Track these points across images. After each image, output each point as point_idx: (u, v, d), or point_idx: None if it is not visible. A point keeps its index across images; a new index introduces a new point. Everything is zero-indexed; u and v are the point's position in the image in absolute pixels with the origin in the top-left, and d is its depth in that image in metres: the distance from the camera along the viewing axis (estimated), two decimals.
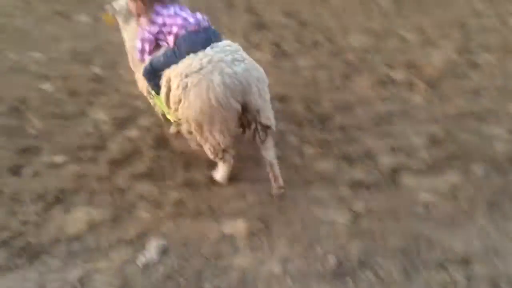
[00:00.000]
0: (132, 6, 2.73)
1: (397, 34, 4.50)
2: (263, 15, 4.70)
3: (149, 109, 3.47)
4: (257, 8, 4.81)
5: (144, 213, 2.58)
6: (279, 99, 3.62)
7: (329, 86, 3.78)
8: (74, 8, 4.86)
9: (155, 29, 2.65)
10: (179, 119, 2.59)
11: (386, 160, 2.97)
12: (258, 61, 3.97)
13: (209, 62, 2.41)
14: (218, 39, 2.63)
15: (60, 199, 2.66)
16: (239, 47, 2.61)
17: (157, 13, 2.63)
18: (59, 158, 3.00)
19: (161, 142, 3.19)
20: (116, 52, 4.12)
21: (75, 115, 3.46)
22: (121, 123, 3.36)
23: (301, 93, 3.69)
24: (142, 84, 2.92)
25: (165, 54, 2.62)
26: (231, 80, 2.39)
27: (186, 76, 2.42)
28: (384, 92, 3.70)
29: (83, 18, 4.75)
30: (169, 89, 2.53)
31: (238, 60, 2.47)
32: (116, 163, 2.99)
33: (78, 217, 2.53)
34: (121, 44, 3.10)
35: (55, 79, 3.83)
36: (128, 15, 2.94)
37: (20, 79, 3.84)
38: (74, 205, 2.62)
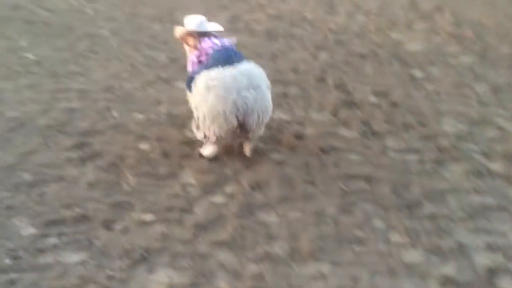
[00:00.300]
0: (192, 42, 3.83)
1: (494, 123, 4.31)
2: (354, 93, 4.75)
3: (236, 176, 3.58)
4: (348, 85, 4.89)
5: (222, 283, 2.57)
6: (365, 178, 3.56)
7: (419, 171, 3.66)
8: (175, 75, 5.25)
9: (197, 53, 3.74)
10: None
11: (482, 259, 2.75)
12: (345, 138, 4.03)
13: (232, 79, 3.29)
14: (240, 58, 3.58)
15: (145, 257, 2.74)
16: (260, 72, 3.55)
17: (200, 43, 3.74)
18: (148, 217, 3.13)
19: (245, 211, 3.23)
20: None
21: (166, 176, 3.62)
22: (208, 188, 3.46)
23: (389, 176, 3.60)
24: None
25: (199, 67, 3.63)
26: (241, 103, 3.28)
27: (211, 80, 3.32)
28: (479, 183, 3.50)
29: (181, 84, 5.10)
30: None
31: (253, 87, 3.32)
32: (200, 228, 3.05)
33: (159, 279, 2.57)
34: None
35: (151, 140, 4.09)
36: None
37: (121, 137, 4.15)
38: (157, 266, 2.68)
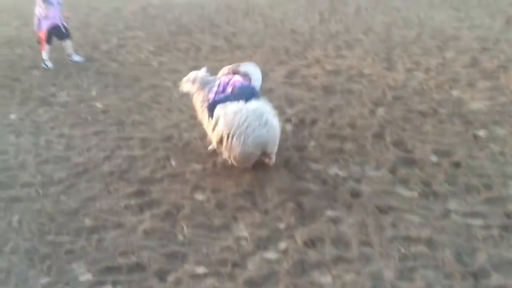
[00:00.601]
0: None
1: None
2: (413, 151, 4.62)
3: (290, 231, 3.52)
4: (407, 143, 4.76)
5: None
6: (425, 242, 3.38)
7: (484, 237, 3.42)
8: None
9: (223, 84, 4.55)
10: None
11: None
12: (403, 197, 3.89)
13: (250, 119, 3.95)
14: (257, 95, 4.38)
15: None
16: (268, 107, 4.19)
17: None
18: (200, 269, 3.13)
19: (298, 269, 3.14)
20: (264, 171, 4.38)
21: (220, 228, 3.63)
22: (261, 243, 3.42)
23: (452, 240, 3.39)
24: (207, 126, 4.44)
25: (224, 96, 4.31)
26: (259, 140, 4.02)
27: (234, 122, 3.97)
28: None
29: None
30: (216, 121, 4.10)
31: (266, 124, 4.00)
32: (252, 284, 3.00)
33: None
34: None
35: (207, 190, 4.15)
36: (204, 83, 4.67)
37: (178, 186, 4.24)
38: None
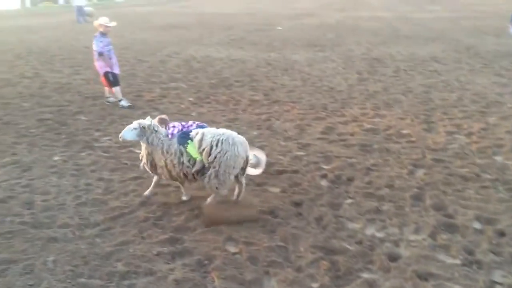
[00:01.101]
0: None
1: None
2: (454, 216, 4.45)
3: None
4: (448, 207, 4.60)
5: None
6: None
7: None
8: (268, 181, 5.37)
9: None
10: (210, 162, 4.42)
11: None
12: (444, 264, 3.70)
13: (226, 132, 4.52)
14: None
15: None
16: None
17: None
18: None
19: None
20: (297, 226, 4.30)
21: (251, 283, 3.54)
22: None
23: None
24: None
25: (181, 133, 4.70)
26: (244, 144, 4.53)
27: (218, 136, 4.43)
28: None
29: (275, 189, 5.18)
30: (200, 144, 4.44)
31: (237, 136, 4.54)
32: None
33: None
34: None
35: (239, 243, 4.09)
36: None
37: (211, 236, 4.20)
38: None
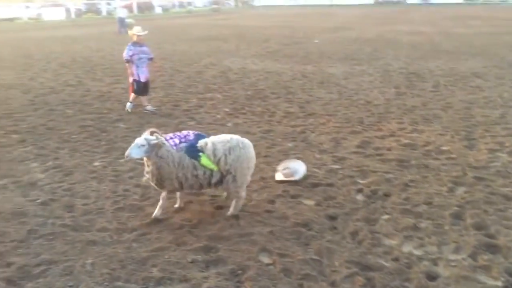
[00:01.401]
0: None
1: None
2: (497, 237, 4.29)
3: None
4: (490, 227, 4.44)
5: None
6: None
7: None
8: (302, 192, 5.34)
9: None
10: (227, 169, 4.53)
11: None
12: (485, 286, 3.57)
13: (232, 137, 4.70)
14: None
15: None
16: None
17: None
18: None
19: None
20: (332, 240, 4.24)
21: None
22: None
23: None
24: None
25: (190, 141, 4.59)
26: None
27: (228, 143, 4.56)
28: None
29: (309, 202, 5.14)
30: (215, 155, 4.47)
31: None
32: None
33: None
34: None
35: (273, 254, 4.07)
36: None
37: (244, 247, 4.20)
38: None
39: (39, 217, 4.75)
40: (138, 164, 6.25)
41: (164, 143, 4.41)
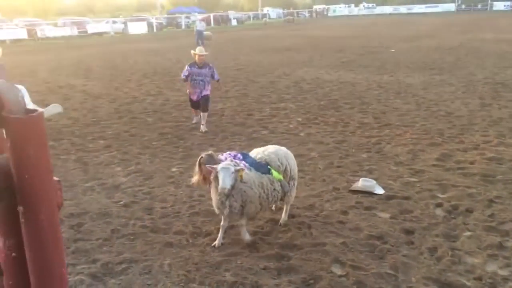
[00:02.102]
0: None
1: None
2: None
3: None
4: None
5: None
6: None
7: None
8: (376, 204, 5.20)
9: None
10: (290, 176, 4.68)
11: None
12: None
13: (272, 148, 4.82)
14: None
15: None
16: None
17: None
18: None
19: None
20: (408, 255, 4.07)
21: None
22: None
23: None
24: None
25: (255, 163, 4.51)
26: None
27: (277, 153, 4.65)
28: None
29: (384, 215, 4.99)
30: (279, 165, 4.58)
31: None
32: None
33: None
34: None
35: (346, 266, 3.99)
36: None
37: (316, 257, 4.17)
38: None
39: (122, 218, 5.05)
40: None
41: (242, 168, 4.19)
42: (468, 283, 3.70)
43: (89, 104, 11.50)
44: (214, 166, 4.14)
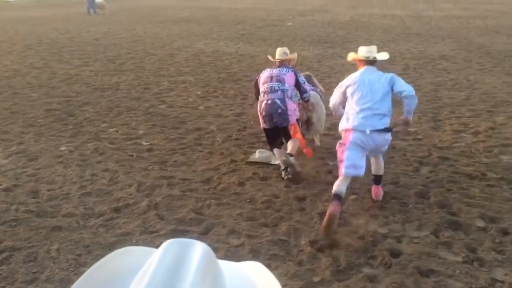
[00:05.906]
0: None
1: None
2: (458, 214, 4.42)
3: (323, 285, 3.39)
4: (452, 205, 4.57)
5: None
6: None
7: None
8: (273, 175, 5.38)
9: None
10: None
11: None
12: (446, 261, 3.69)
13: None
14: None
15: None
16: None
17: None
18: None
19: None
20: (300, 221, 4.29)
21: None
22: None
23: None
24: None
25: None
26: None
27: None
28: None
29: (279, 184, 5.19)
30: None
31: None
32: None
33: None
34: None
35: (242, 236, 4.10)
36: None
37: (214, 229, 4.22)
38: None
39: (2, 203, 4.64)
40: (106, 149, 6.17)
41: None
42: (352, 243, 4.00)
43: None
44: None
